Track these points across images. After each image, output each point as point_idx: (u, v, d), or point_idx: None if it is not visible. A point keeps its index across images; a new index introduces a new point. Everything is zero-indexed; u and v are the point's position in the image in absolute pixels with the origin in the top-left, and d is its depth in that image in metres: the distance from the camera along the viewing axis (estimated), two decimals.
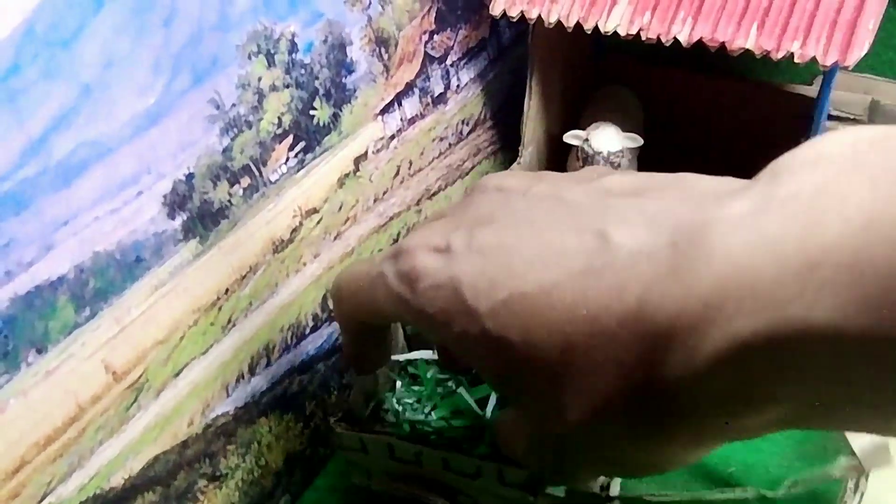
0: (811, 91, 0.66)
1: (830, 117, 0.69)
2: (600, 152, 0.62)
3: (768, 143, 0.66)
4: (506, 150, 0.68)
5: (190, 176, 0.40)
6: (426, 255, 0.29)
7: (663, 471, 0.28)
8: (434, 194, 0.61)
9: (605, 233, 0.26)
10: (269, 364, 0.48)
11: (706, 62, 0.59)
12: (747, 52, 0.53)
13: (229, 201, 0.43)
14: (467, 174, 0.65)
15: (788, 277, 0.20)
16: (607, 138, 0.62)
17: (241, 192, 0.43)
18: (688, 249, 0.23)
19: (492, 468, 0.43)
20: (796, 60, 0.51)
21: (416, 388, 0.51)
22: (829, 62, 0.50)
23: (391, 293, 0.31)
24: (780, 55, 0.51)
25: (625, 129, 0.64)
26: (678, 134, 0.68)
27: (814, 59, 0.51)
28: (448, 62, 0.59)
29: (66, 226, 0.35)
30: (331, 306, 0.52)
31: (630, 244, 0.25)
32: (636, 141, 0.63)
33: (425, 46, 0.56)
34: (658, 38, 0.52)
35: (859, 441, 0.41)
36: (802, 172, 0.22)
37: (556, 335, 0.25)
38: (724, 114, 0.70)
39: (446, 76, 0.59)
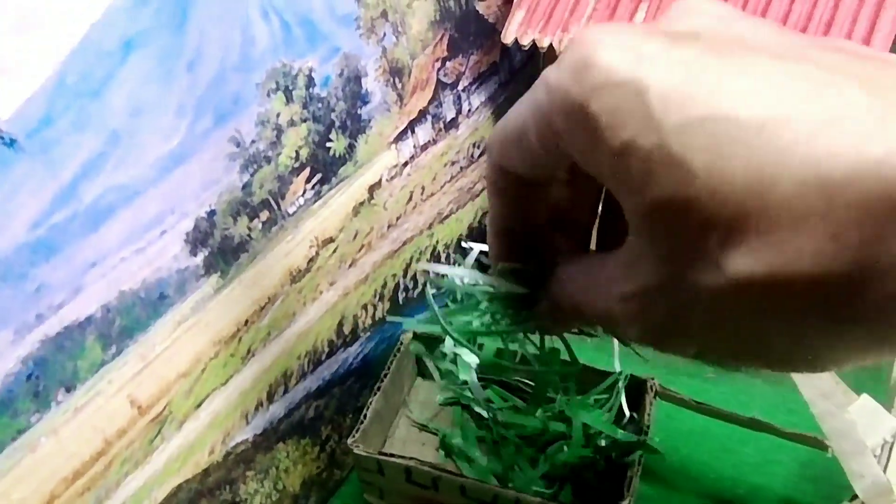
0: None
1: None
2: None
3: None
4: None
5: (211, 213, 0.41)
6: (609, 48, 0.24)
7: (809, 367, 0.24)
8: (446, 217, 0.62)
9: (842, 82, 0.21)
10: (286, 391, 0.49)
11: None
12: None
13: (249, 235, 0.44)
14: (478, 196, 0.66)
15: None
16: None
17: (260, 226, 0.44)
18: None
19: (510, 496, 0.44)
20: None
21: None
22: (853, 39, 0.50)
23: (549, 89, 0.24)
24: None
25: None
26: None
27: None
28: (460, 87, 0.60)
29: (94, 267, 0.36)
30: (345, 332, 0.53)
31: (877, 104, 0.20)
32: None
33: (438, 73, 0.57)
34: None
35: (861, 483, 0.42)
36: None
37: (759, 171, 0.21)
38: None
39: (458, 101, 0.60)
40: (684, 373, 0.57)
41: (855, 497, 0.41)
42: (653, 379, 0.51)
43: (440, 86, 0.58)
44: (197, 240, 0.41)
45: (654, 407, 0.50)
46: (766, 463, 0.55)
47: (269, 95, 0.43)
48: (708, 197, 0.22)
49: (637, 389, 0.52)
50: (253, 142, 0.43)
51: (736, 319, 0.23)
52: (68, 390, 0.36)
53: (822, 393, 0.40)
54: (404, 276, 0.58)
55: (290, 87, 0.44)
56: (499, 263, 0.31)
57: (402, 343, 0.55)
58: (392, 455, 0.46)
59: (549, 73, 0.24)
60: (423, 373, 0.57)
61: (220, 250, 0.42)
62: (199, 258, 0.41)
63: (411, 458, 0.46)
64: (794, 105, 0.21)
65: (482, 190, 0.66)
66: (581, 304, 0.28)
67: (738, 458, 0.55)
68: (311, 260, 0.49)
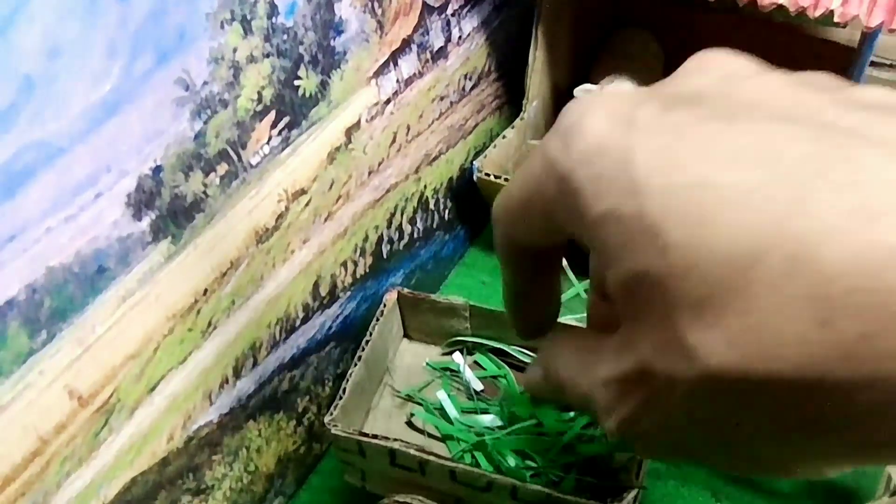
0: (846, 34, 0.60)
1: (871, 63, 0.63)
2: None
3: None
4: (513, 105, 0.63)
5: (157, 169, 0.35)
6: (599, 116, 0.23)
7: (790, 474, 0.22)
8: (434, 159, 0.56)
9: (855, 150, 0.19)
10: (255, 364, 0.43)
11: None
12: (781, 7, 0.48)
13: (205, 193, 0.38)
14: (470, 133, 0.59)
15: None
16: None
17: (217, 181, 0.38)
18: None
19: (505, 483, 0.39)
20: (836, 20, 0.45)
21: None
22: (873, 23, 0.45)
23: (542, 157, 0.24)
24: (817, 13, 0.46)
25: (642, 80, 0.58)
26: None
27: (856, 19, 0.45)
28: (449, 12, 0.53)
29: (13, 242, 0.30)
30: (322, 293, 0.48)
31: (888, 175, 0.18)
32: None
33: None
34: None
35: None
36: None
37: (741, 245, 0.19)
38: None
39: (447, 28, 0.53)
40: None
41: (894, 492, 0.37)
42: None
43: (426, 10, 0.51)
44: (141, 201, 0.35)
45: None
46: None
47: (222, 27, 0.36)
48: (683, 271, 0.20)
49: None
50: (205, 83, 0.36)
51: (714, 419, 0.20)
52: None
53: None
54: (388, 227, 0.53)
55: (249, 17, 0.38)
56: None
57: (385, 304, 0.49)
58: (375, 436, 0.42)
59: (545, 141, 0.24)
60: (409, 334, 0.52)
61: (170, 212, 0.36)
62: (145, 223, 0.35)
63: (395, 440, 0.41)
64: (792, 174, 0.19)
65: (475, 127, 0.60)
66: (565, 384, 0.26)
67: None
68: (280, 216, 0.43)
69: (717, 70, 0.24)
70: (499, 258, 0.28)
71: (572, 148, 0.23)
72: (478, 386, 0.50)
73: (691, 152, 0.21)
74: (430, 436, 0.48)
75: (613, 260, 0.22)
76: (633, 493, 0.40)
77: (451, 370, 0.51)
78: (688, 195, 0.20)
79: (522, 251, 0.27)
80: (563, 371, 0.27)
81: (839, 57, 0.56)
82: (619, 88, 0.23)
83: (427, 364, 0.51)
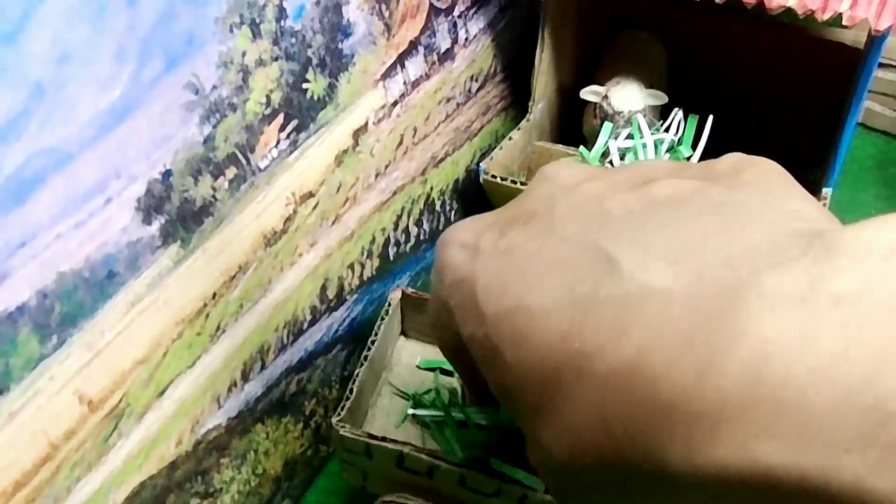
0: (851, 35, 0.60)
1: (879, 65, 0.63)
2: (621, 112, 0.56)
3: (806, 98, 0.61)
4: (517, 106, 0.63)
5: (167, 174, 0.35)
6: (456, 250, 0.27)
7: None
8: (441, 161, 0.56)
9: (617, 259, 0.22)
10: (263, 367, 0.43)
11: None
12: (789, 9, 0.47)
13: (214, 197, 0.38)
14: (476, 135, 0.59)
15: (850, 423, 0.16)
16: (629, 97, 0.57)
17: (226, 185, 0.38)
18: (712, 316, 0.19)
19: (515, 491, 0.39)
20: (844, 23, 0.45)
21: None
22: (882, 27, 0.44)
23: (432, 289, 0.29)
24: (826, 16, 0.45)
25: (647, 81, 0.58)
26: (706, 84, 0.62)
27: (864, 22, 0.45)
28: (455, 13, 0.53)
29: (24, 248, 0.30)
30: (329, 296, 0.48)
31: (644, 280, 0.21)
32: (660, 98, 0.57)
33: None
34: None
35: None
36: (869, 264, 0.17)
37: (545, 361, 0.22)
38: (758, 62, 0.64)
39: (453, 29, 0.53)
40: None
41: None
42: None
43: (433, 12, 0.51)
44: (150, 206, 0.35)
45: None
46: None
47: (231, 31, 0.36)
48: (520, 387, 0.23)
49: None
50: (214, 87, 0.36)
51: (585, 491, 0.23)
52: (0, 393, 0.31)
53: None
54: (395, 229, 0.53)
55: (257, 21, 0.38)
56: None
57: (389, 304, 0.49)
58: (383, 439, 0.42)
59: (432, 274, 0.28)
60: (406, 332, 0.52)
61: (179, 216, 0.36)
62: (154, 227, 0.35)
63: (406, 444, 0.41)
64: (574, 294, 0.22)
65: (480, 128, 0.60)
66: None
67: None
68: (288, 219, 0.43)
69: (553, 181, 0.27)
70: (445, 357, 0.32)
71: (444, 280, 0.27)
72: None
73: (514, 276, 0.24)
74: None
75: (484, 373, 0.25)
76: None
77: (444, 369, 0.51)
78: (511, 319, 0.23)
79: (453, 349, 0.30)
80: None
81: (845, 58, 0.56)
82: (478, 218, 0.29)
83: (419, 365, 0.51)
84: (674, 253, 0.21)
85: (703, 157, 0.54)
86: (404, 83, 0.50)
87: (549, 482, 0.24)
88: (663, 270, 0.20)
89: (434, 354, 0.52)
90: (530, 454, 0.24)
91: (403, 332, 0.53)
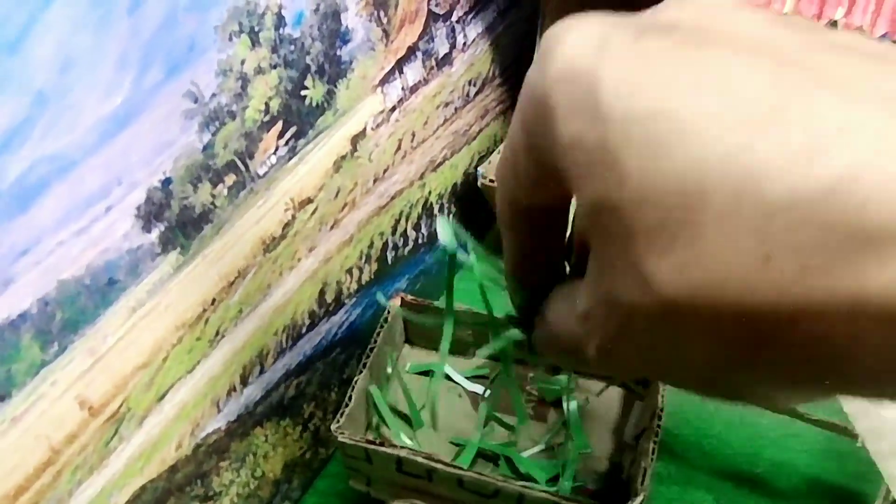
0: None
1: None
2: None
3: None
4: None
5: (167, 181, 0.35)
6: (572, 40, 0.23)
7: (748, 401, 0.23)
8: (439, 165, 0.56)
9: (823, 85, 0.19)
10: (262, 371, 0.44)
11: None
12: None
13: (213, 203, 0.38)
14: (474, 139, 0.59)
15: None
16: None
17: (225, 191, 0.39)
18: None
19: (512, 491, 0.40)
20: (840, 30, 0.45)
21: None
22: (877, 34, 0.45)
23: (524, 86, 0.24)
24: (821, 23, 0.46)
25: None
26: None
27: (859, 30, 0.45)
28: (454, 18, 0.53)
29: (26, 255, 0.31)
30: (328, 300, 0.48)
31: (852, 111, 0.18)
32: None
33: (428, 3, 0.50)
34: None
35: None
36: None
37: (688, 178, 0.19)
38: None
39: (452, 34, 0.53)
40: None
41: (893, 501, 0.37)
42: None
43: (431, 17, 0.51)
44: (150, 213, 0.35)
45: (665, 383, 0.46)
46: (784, 437, 0.50)
47: (230, 39, 0.37)
48: (638, 201, 0.20)
49: None
50: (213, 95, 0.37)
51: (676, 345, 0.21)
52: (2, 399, 0.31)
53: None
54: (393, 233, 0.53)
55: (256, 28, 0.38)
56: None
57: (388, 311, 0.49)
58: (382, 443, 0.42)
59: (528, 73, 0.23)
60: (411, 339, 0.52)
61: (179, 223, 0.37)
62: (155, 234, 0.36)
63: (402, 448, 0.42)
64: (747, 109, 0.19)
65: (479, 132, 0.60)
66: (558, 332, 0.26)
67: (754, 430, 0.51)
68: (287, 225, 0.43)
69: (695, 2, 0.24)
70: (500, 224, 0.28)
71: (547, 71, 0.23)
72: (476, 388, 0.50)
73: (655, 80, 0.21)
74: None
75: (578, 190, 0.22)
76: (638, 500, 0.41)
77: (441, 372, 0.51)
78: (646, 124, 0.20)
79: (521, 212, 0.27)
80: (551, 316, 0.27)
81: None
82: (599, 16, 0.24)
83: (408, 371, 0.51)
84: (883, 94, 0.19)
85: None
86: (403, 88, 0.50)
87: (619, 329, 0.22)
88: (876, 107, 0.19)
89: (433, 360, 0.52)
90: (616, 291, 0.21)
91: (409, 340, 0.53)
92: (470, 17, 0.55)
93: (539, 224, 0.27)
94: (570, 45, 0.22)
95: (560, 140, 0.22)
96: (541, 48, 0.23)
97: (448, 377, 0.51)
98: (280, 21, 0.39)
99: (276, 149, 0.41)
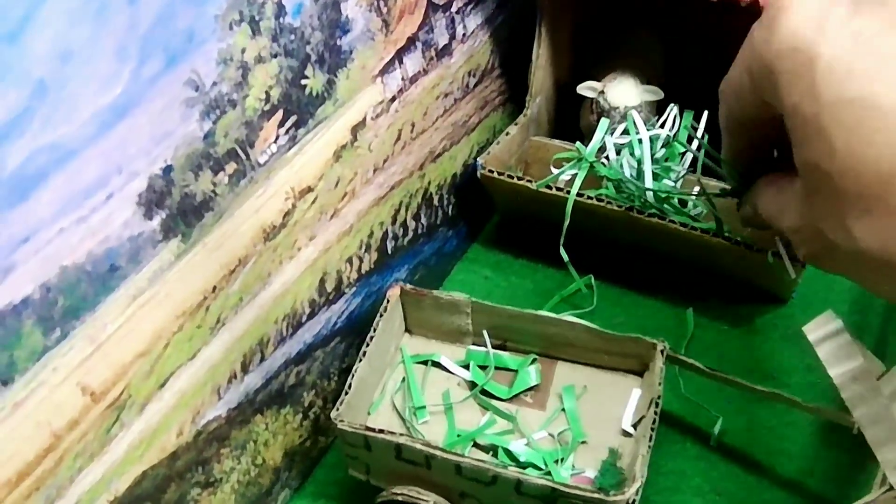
0: None
1: None
2: (616, 107, 0.57)
3: None
4: (515, 101, 0.63)
5: (167, 169, 0.36)
6: (796, 13, 0.26)
7: None
8: (438, 156, 0.56)
9: None
10: (262, 360, 0.44)
11: None
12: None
13: (214, 192, 0.38)
14: (473, 130, 0.60)
15: None
16: (625, 92, 0.57)
17: (226, 180, 0.39)
18: None
19: (510, 477, 0.40)
20: None
21: None
22: None
23: (750, 45, 0.29)
24: None
25: (644, 77, 0.59)
26: (702, 79, 0.62)
27: None
28: (453, 9, 0.53)
29: (27, 243, 0.31)
30: (328, 289, 0.48)
31: None
32: (656, 94, 0.58)
33: None
34: None
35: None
36: None
37: (884, 162, 0.24)
38: None
39: (451, 25, 0.54)
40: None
41: (889, 488, 0.37)
42: (663, 342, 0.47)
43: (431, 8, 0.51)
44: (151, 201, 0.36)
45: (663, 372, 0.46)
46: (781, 425, 0.51)
47: (231, 28, 0.37)
48: (842, 172, 0.25)
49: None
50: (214, 84, 0.37)
51: (864, 269, 0.27)
52: (4, 384, 0.31)
53: (854, 376, 0.36)
54: (393, 223, 0.53)
55: (257, 18, 0.38)
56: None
57: (388, 300, 0.50)
58: (381, 431, 0.42)
59: (753, 28, 0.28)
60: (410, 329, 0.53)
61: (179, 211, 0.37)
62: (156, 222, 0.36)
63: (402, 435, 0.42)
64: None
65: (478, 123, 0.60)
66: (770, 219, 0.33)
67: (751, 419, 0.51)
68: (287, 214, 0.43)
69: None
70: (721, 127, 0.34)
71: (773, 42, 0.27)
72: (466, 375, 0.50)
73: (864, 65, 0.24)
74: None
75: (797, 145, 0.27)
76: (635, 486, 0.41)
77: (434, 362, 0.51)
78: (853, 111, 0.24)
79: (739, 124, 0.33)
80: (763, 210, 0.33)
81: None
82: None
83: (404, 360, 0.51)
84: None
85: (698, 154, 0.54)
86: (402, 79, 0.50)
87: (822, 250, 0.28)
88: None
89: (433, 350, 0.52)
90: (826, 227, 0.27)
91: (408, 330, 0.53)
92: (469, 8, 0.55)
93: (750, 130, 0.33)
94: (793, 19, 0.26)
95: (784, 103, 0.27)
96: (766, 14, 0.27)
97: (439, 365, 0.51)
98: (280, 10, 0.39)
99: (277, 138, 0.41)
